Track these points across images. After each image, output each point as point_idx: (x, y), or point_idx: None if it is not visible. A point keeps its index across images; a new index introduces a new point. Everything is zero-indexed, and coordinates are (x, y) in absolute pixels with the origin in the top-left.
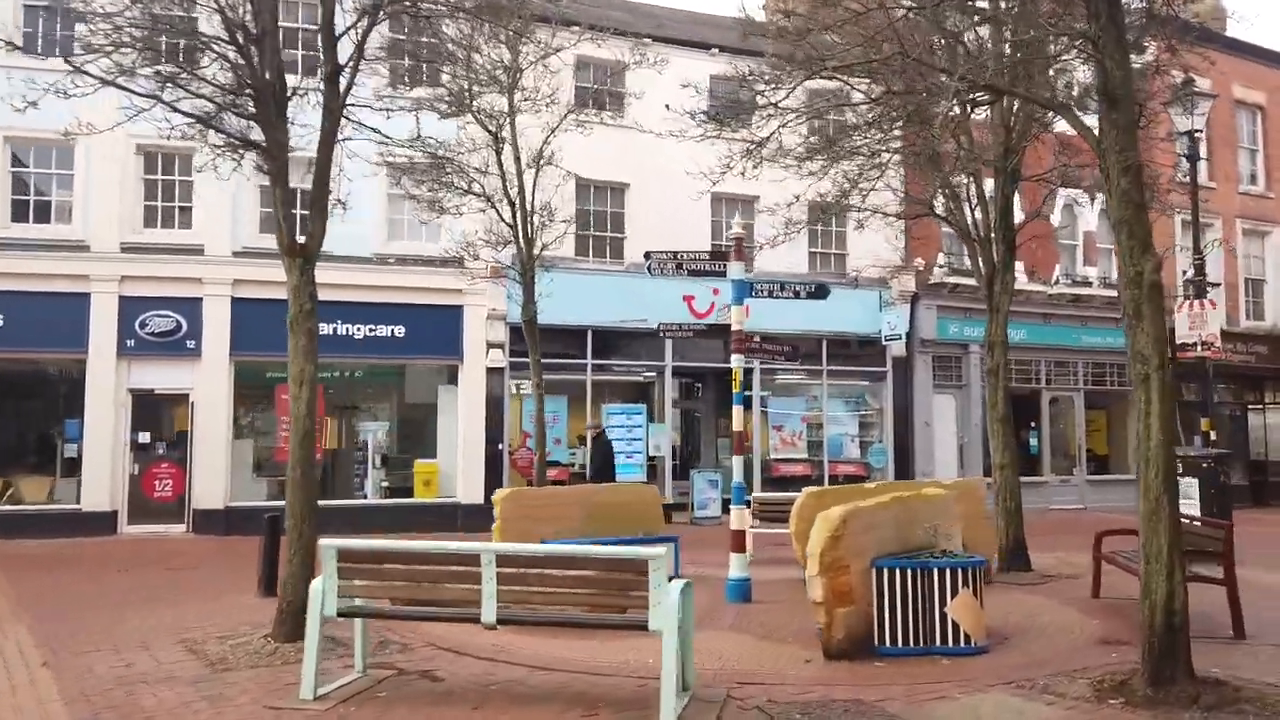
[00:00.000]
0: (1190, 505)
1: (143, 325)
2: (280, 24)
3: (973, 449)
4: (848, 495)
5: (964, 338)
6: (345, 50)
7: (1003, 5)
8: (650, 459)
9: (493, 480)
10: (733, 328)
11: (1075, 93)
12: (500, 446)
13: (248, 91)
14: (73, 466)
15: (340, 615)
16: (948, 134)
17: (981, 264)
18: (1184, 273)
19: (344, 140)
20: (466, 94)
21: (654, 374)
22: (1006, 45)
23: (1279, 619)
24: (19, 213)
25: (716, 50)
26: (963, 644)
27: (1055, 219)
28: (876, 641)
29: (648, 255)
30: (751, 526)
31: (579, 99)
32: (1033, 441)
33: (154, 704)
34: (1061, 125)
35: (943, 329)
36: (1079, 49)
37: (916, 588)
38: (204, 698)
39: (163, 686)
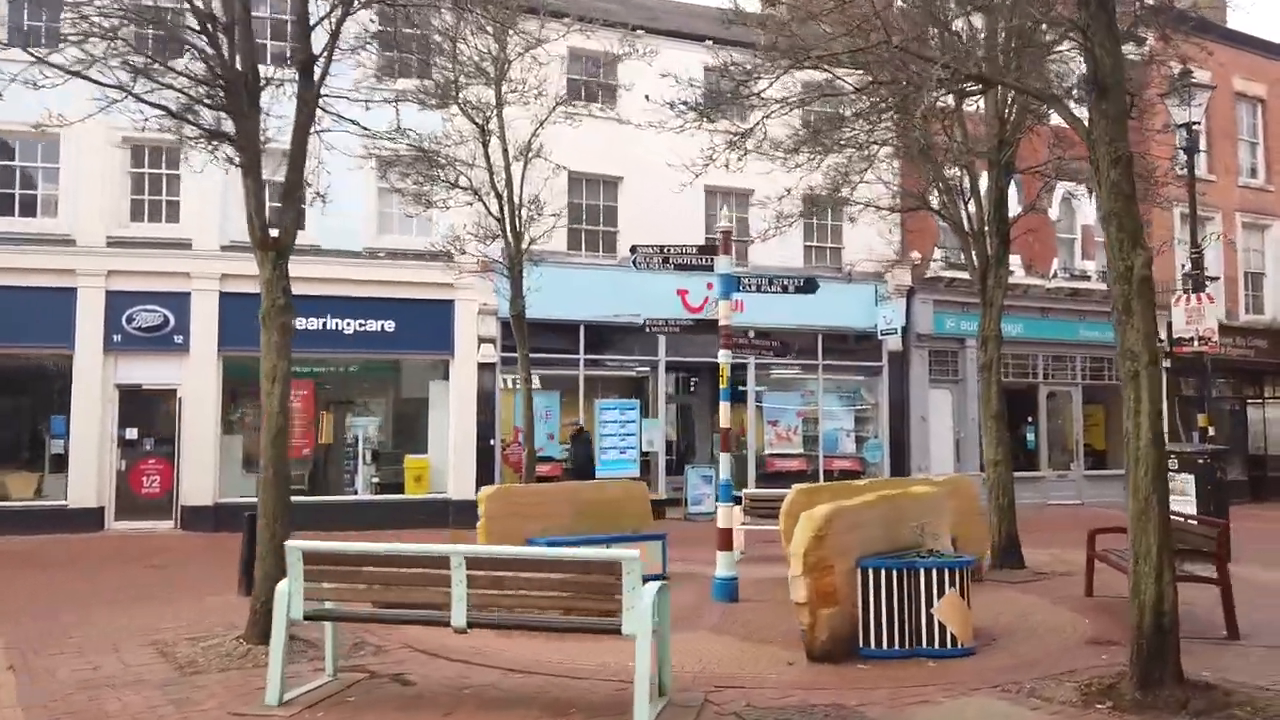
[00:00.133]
0: (1187, 502)
1: (130, 320)
2: (254, 14)
3: (969, 444)
4: (839, 492)
5: (960, 332)
6: (321, 40)
7: None
8: (644, 454)
9: (484, 476)
10: (720, 322)
11: (1068, 84)
12: (492, 442)
13: (219, 82)
14: (59, 463)
15: (307, 619)
16: (935, 125)
17: (975, 258)
18: (1182, 266)
19: (322, 131)
20: (452, 85)
21: (647, 369)
22: (1001, 34)
23: (1273, 619)
24: (4, 206)
25: (711, 42)
26: (949, 646)
27: (1053, 212)
28: (861, 643)
29: (633, 249)
30: (743, 523)
31: (570, 91)
32: (1030, 436)
33: (118, 709)
34: (1057, 117)
35: (939, 323)
36: (1069, 37)
37: (902, 588)
38: (170, 701)
39: (128, 690)
